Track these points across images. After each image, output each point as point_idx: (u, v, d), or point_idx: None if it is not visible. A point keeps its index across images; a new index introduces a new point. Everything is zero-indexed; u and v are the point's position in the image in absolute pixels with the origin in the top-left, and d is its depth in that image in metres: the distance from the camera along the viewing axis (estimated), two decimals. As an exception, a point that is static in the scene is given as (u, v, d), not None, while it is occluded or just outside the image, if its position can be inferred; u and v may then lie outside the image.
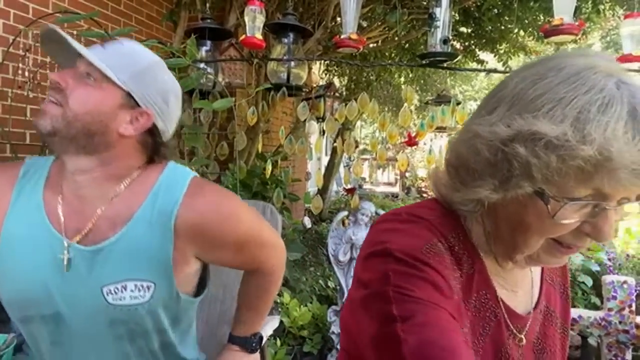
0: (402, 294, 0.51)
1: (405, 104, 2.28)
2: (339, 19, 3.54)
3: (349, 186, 2.52)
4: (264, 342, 1.33)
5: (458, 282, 0.57)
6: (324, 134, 2.68)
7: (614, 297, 2.06)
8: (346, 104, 2.28)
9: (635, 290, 2.09)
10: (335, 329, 2.38)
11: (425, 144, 4.04)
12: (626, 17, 1.92)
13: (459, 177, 0.57)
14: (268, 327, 1.36)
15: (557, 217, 0.50)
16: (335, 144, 2.58)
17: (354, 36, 2.11)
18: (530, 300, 0.66)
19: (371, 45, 4.29)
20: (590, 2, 3.76)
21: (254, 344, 1.11)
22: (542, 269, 0.70)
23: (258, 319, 1.14)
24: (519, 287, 0.65)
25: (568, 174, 0.47)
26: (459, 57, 4.59)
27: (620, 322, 2.04)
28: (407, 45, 4.66)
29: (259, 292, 1.11)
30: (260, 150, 2.61)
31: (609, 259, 2.96)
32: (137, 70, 0.86)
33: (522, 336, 0.63)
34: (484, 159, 0.52)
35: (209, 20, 2.35)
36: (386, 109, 6.93)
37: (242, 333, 1.11)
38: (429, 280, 0.52)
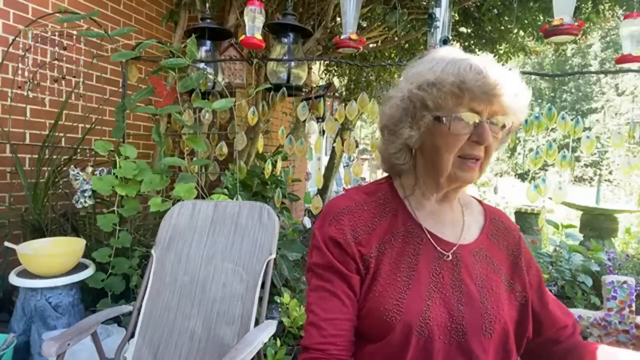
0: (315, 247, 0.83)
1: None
2: (338, 19, 3.54)
3: (349, 186, 2.51)
4: (263, 345, 1.33)
5: (380, 223, 0.82)
6: (323, 134, 2.68)
7: (614, 297, 2.06)
8: (346, 104, 2.28)
9: (635, 290, 2.09)
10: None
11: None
12: (626, 17, 1.92)
13: (390, 130, 0.82)
14: (265, 335, 1.36)
15: (452, 130, 0.75)
16: (335, 144, 2.58)
17: (354, 36, 2.11)
18: (459, 236, 0.85)
19: (371, 46, 4.29)
20: (590, 2, 3.76)
21: None
22: (484, 226, 0.88)
23: None
24: (447, 221, 0.85)
25: (446, 98, 0.74)
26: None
27: (620, 322, 2.04)
28: (407, 45, 4.66)
29: None
30: (260, 150, 2.60)
31: (609, 259, 2.95)
32: None
33: (449, 253, 0.81)
34: (401, 109, 0.80)
35: (209, 20, 2.35)
36: (386, 109, 6.92)
37: None
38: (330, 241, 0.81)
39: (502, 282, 0.83)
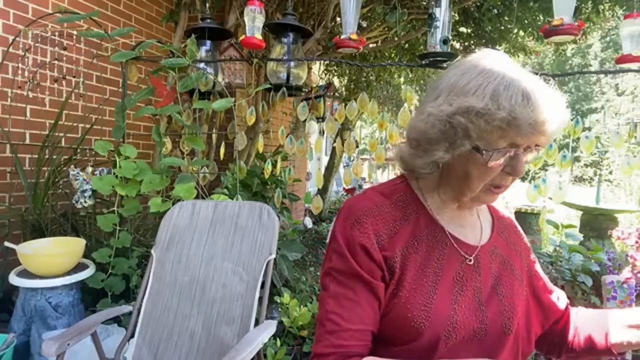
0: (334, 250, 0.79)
1: (405, 104, 2.27)
2: (338, 19, 3.54)
3: (349, 186, 2.50)
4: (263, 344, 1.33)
5: (402, 226, 0.80)
6: (323, 134, 2.68)
7: (614, 297, 2.06)
8: (346, 104, 2.28)
9: (635, 290, 2.09)
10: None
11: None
12: (626, 17, 1.92)
13: (421, 146, 0.78)
14: (265, 335, 1.35)
15: (490, 164, 0.72)
16: (335, 144, 2.59)
17: (354, 36, 2.11)
18: (478, 238, 0.86)
19: (371, 46, 4.29)
20: (590, 2, 3.76)
21: None
22: (493, 226, 0.90)
23: None
24: (467, 224, 0.86)
25: (492, 132, 0.70)
26: (459, 57, 4.58)
27: (620, 322, 2.04)
28: (407, 45, 4.66)
29: None
30: (260, 150, 2.60)
31: (609, 259, 2.95)
32: None
33: (472, 257, 0.82)
34: (437, 129, 0.74)
35: (209, 20, 2.35)
36: (386, 109, 6.93)
37: None
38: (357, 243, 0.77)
39: (515, 277, 0.85)
